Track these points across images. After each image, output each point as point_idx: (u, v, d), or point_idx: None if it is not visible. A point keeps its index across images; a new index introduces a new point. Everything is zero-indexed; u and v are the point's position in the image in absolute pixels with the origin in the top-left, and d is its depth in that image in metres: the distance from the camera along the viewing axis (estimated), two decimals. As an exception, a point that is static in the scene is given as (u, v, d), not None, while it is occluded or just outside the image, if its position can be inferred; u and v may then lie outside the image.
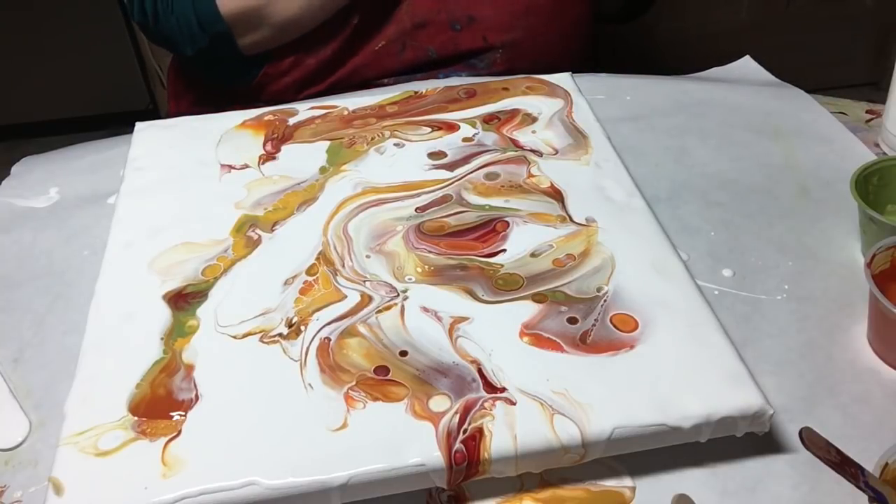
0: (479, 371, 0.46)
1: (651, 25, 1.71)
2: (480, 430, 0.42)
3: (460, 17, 0.82)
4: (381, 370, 0.46)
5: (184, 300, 0.51)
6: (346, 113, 0.69)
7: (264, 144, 0.65)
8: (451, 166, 0.62)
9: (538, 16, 0.84)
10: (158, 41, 0.85)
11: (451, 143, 0.65)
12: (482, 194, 0.59)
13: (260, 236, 0.56)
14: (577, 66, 0.81)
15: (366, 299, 0.51)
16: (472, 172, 0.61)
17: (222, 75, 0.86)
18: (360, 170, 0.62)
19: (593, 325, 0.48)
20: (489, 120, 0.67)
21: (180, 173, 0.63)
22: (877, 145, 0.68)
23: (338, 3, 0.79)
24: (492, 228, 0.56)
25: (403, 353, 0.47)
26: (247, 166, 0.63)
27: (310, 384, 0.45)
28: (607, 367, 0.46)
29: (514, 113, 0.68)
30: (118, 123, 0.89)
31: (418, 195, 0.59)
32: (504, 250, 0.54)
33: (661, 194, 0.63)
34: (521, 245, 0.54)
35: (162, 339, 0.49)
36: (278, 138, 0.66)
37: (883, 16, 1.91)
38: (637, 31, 1.59)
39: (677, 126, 0.71)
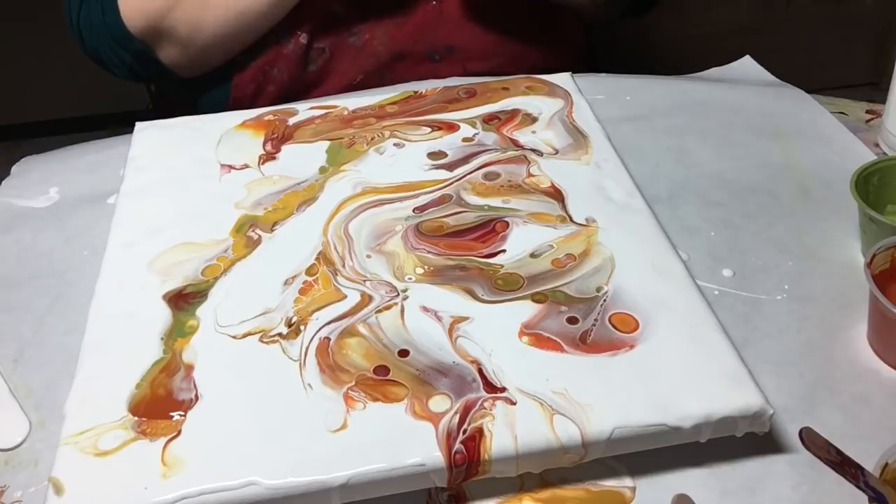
0: (479, 371, 0.46)
1: (651, 25, 1.71)
2: (480, 431, 0.42)
3: (438, 47, 0.80)
4: (381, 370, 0.46)
5: (184, 300, 0.51)
6: (345, 113, 0.69)
7: (264, 144, 0.65)
8: (450, 166, 0.62)
9: (515, 42, 0.82)
10: (95, 62, 0.82)
11: (451, 144, 0.64)
12: (481, 194, 0.59)
13: (260, 236, 0.56)
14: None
15: (366, 299, 0.51)
16: (471, 172, 0.61)
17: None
18: (360, 170, 0.62)
19: (593, 324, 0.48)
20: (489, 120, 0.67)
21: (180, 173, 0.63)
22: (877, 145, 0.68)
23: (256, 20, 0.75)
24: (491, 229, 0.56)
25: (403, 353, 0.47)
26: (247, 166, 0.63)
27: (309, 384, 0.45)
28: (607, 367, 0.46)
29: (514, 113, 0.68)
30: (118, 123, 0.89)
31: (418, 195, 0.59)
32: (504, 251, 0.54)
33: (661, 194, 0.63)
34: (520, 245, 0.54)
35: (162, 339, 0.49)
36: (278, 138, 0.66)
37: (883, 16, 1.91)
38: (637, 31, 1.59)
39: (677, 126, 0.71)
